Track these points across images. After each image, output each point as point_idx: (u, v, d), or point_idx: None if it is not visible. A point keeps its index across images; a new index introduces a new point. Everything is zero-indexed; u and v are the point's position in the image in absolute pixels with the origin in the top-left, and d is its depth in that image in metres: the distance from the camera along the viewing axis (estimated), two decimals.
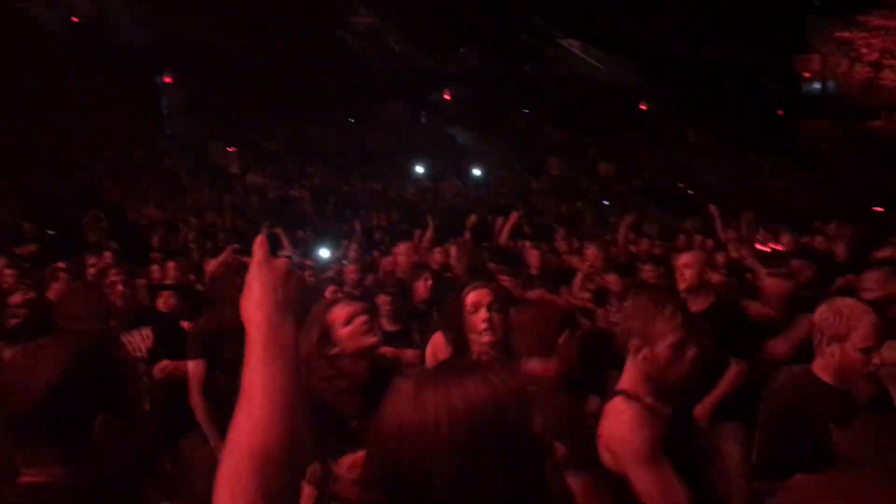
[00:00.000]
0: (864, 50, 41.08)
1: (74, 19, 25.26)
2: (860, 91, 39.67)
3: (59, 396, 1.57)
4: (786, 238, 9.60)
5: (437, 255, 9.01)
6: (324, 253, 11.03)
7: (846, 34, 42.31)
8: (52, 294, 7.06)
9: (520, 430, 1.28)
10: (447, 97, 29.99)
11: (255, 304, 1.48)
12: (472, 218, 10.35)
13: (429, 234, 10.04)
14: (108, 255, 11.25)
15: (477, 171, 26.04)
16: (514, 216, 9.50)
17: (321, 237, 16.75)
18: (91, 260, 10.26)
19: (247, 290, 1.53)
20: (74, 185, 18.86)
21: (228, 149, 24.11)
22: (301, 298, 1.59)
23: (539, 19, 37.48)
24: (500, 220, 10.13)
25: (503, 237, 9.22)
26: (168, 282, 8.05)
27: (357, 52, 30.73)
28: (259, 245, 1.62)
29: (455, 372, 1.30)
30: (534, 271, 8.28)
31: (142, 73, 24.83)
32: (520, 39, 36.10)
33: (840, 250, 8.65)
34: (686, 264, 5.68)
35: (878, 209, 25.02)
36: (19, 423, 1.54)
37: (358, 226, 17.96)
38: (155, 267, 8.80)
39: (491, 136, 29.36)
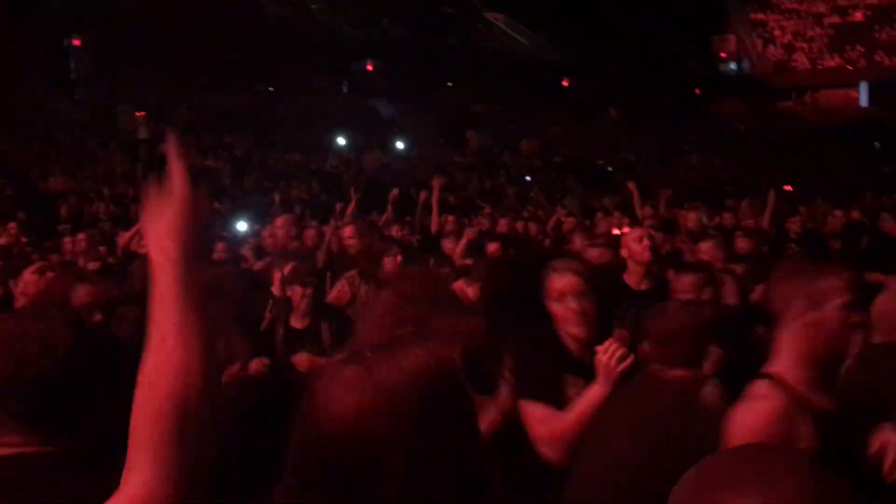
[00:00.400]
0: (777, 32, 42.35)
1: None
2: (773, 72, 40.93)
3: (75, 366, 1.52)
4: (692, 215, 9.77)
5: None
6: (241, 226, 10.76)
7: (760, 16, 43.53)
8: None
9: (458, 404, 1.26)
10: (370, 68, 29.66)
11: (169, 232, 1.38)
12: (394, 192, 10.21)
13: (351, 207, 9.86)
14: (12, 226, 10.78)
15: (399, 144, 25.86)
16: (436, 184, 9.40)
17: (239, 209, 16.39)
18: None
19: (158, 214, 1.41)
20: None
21: (136, 113, 23.30)
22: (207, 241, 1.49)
23: None
24: (423, 194, 10.01)
25: (434, 213, 9.10)
26: (80, 256, 7.71)
27: (278, 18, 30.08)
28: (176, 162, 1.49)
29: (382, 350, 1.26)
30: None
31: (49, 34, 23.75)
32: (445, 12, 35.93)
33: (764, 222, 8.91)
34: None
35: (788, 188, 25.86)
36: (32, 387, 1.46)
37: (278, 198, 17.64)
38: (67, 240, 8.41)
39: (414, 110, 29.19)
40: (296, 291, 4.79)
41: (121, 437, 1.46)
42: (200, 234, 1.42)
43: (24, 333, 1.49)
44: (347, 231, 6.26)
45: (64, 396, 1.50)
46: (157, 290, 1.34)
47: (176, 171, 1.49)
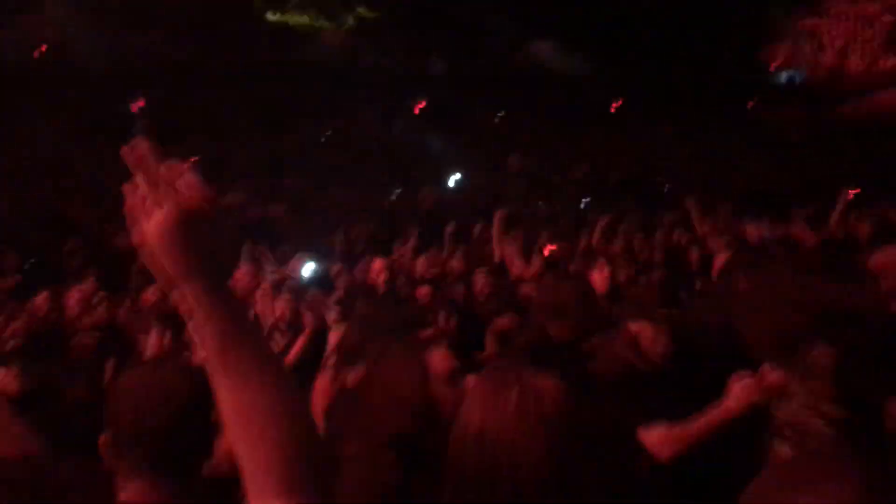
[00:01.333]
0: (828, 37, 41.59)
1: (42, 48, 25.09)
2: (827, 78, 40.17)
3: (192, 421, 1.59)
4: (751, 228, 9.70)
5: (419, 264, 9.04)
6: (307, 269, 11.00)
7: (810, 23, 42.82)
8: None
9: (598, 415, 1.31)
10: (422, 104, 30.02)
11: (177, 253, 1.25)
12: (450, 227, 10.37)
13: (411, 243, 10.04)
14: (91, 279, 11.20)
15: (454, 176, 26.07)
16: (498, 216, 9.54)
17: (303, 253, 16.70)
18: (74, 288, 10.22)
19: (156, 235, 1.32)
20: (52, 216, 18.72)
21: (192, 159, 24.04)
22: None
23: (506, 21, 37.63)
24: (478, 227, 10.17)
25: (497, 242, 9.25)
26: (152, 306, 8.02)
27: (326, 60, 30.71)
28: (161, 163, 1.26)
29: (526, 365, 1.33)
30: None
31: (110, 100, 24.69)
32: (491, 42, 36.22)
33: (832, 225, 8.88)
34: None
35: (856, 190, 25.26)
36: (153, 435, 1.52)
37: (341, 238, 17.95)
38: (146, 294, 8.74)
39: (466, 141, 29.40)
40: None
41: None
42: (225, 246, 1.29)
43: (146, 385, 1.56)
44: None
45: (181, 445, 1.56)
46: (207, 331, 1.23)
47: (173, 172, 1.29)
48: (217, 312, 1.23)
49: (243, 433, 1.20)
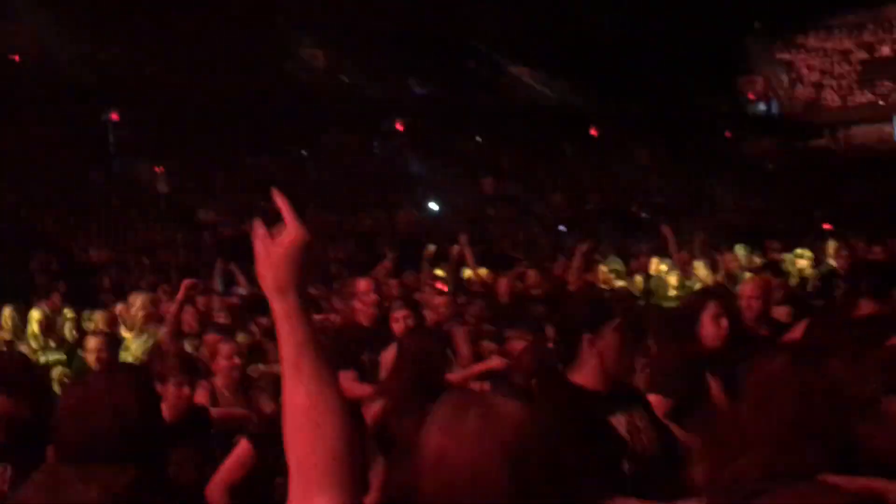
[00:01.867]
0: (804, 71, 42.30)
1: (15, 58, 24.82)
2: (803, 111, 40.81)
3: (147, 435, 1.59)
4: (730, 257, 9.68)
5: (393, 288, 8.91)
6: None
7: (787, 55, 43.55)
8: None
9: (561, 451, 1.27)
10: (399, 127, 30.03)
11: (282, 270, 1.56)
12: (430, 249, 10.26)
13: (387, 266, 9.94)
14: (55, 296, 10.98)
15: (431, 201, 26.06)
16: (462, 239, 9.55)
17: None
18: (40, 304, 9.98)
19: (270, 255, 1.63)
20: (20, 228, 18.43)
21: (156, 168, 23.97)
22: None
23: (487, 47, 37.89)
24: (455, 248, 10.08)
25: (470, 265, 9.20)
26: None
27: (306, 84, 30.69)
28: (286, 207, 1.72)
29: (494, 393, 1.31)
30: (504, 299, 8.32)
31: (86, 111, 24.45)
32: (468, 67, 36.42)
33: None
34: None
35: (827, 226, 25.54)
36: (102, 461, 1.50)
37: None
38: (120, 307, 8.50)
39: (443, 165, 29.45)
40: None
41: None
42: (310, 273, 1.57)
43: (95, 408, 1.55)
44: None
45: (134, 468, 1.54)
46: (290, 336, 1.45)
47: (287, 214, 1.71)
48: (300, 323, 1.47)
49: (305, 431, 1.36)
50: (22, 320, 9.18)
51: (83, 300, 11.65)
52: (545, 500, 1.15)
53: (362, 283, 6.36)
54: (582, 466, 1.27)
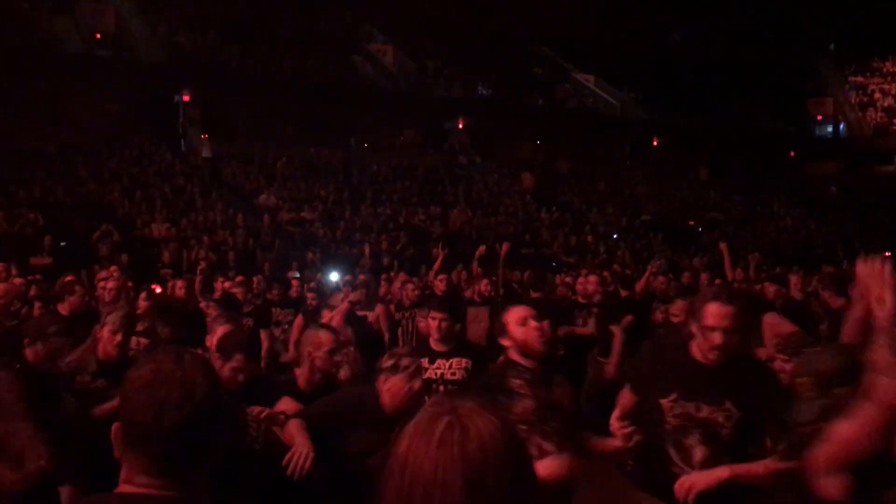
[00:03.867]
0: (877, 95, 41.24)
1: (97, 35, 25.61)
2: (872, 136, 39.80)
3: (210, 414, 1.56)
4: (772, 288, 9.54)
5: (438, 284, 9.08)
6: (333, 276, 11.11)
7: (860, 79, 42.54)
8: (64, 307, 7.03)
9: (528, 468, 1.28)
10: (461, 126, 30.20)
11: None
12: (481, 248, 10.42)
13: (438, 262, 10.10)
14: (114, 268, 11.33)
15: (486, 201, 26.15)
16: (505, 247, 9.71)
17: (330, 260, 16.88)
18: (101, 273, 10.34)
19: None
20: (88, 200, 19.05)
21: (202, 136, 24.56)
22: None
23: (554, 52, 37.83)
24: (504, 248, 10.29)
25: (500, 271, 9.37)
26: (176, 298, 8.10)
27: (372, 77, 31.06)
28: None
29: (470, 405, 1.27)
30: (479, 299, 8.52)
31: (159, 90, 25.14)
32: (535, 72, 36.42)
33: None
34: None
35: (888, 254, 24.96)
36: (168, 435, 1.50)
37: (367, 250, 18.07)
38: (169, 283, 8.82)
39: (502, 167, 29.53)
40: None
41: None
42: None
43: (166, 379, 1.54)
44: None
45: (199, 441, 1.55)
46: None
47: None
48: None
49: None
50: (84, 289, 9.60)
51: (142, 273, 12.07)
52: None
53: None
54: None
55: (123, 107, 25.27)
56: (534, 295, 8.16)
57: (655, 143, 34.77)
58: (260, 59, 27.88)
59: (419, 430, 1.24)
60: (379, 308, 8.31)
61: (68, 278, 9.53)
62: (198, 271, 9.70)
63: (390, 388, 3.58)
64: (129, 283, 10.01)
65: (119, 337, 4.42)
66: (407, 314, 8.26)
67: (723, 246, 10.64)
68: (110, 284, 7.76)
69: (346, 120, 29.14)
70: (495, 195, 26.55)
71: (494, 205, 25.39)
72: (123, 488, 1.52)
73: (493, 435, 1.22)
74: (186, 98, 24.85)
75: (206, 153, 24.11)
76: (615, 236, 24.71)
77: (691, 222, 28.38)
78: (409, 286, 8.59)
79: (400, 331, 8.21)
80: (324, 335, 4.14)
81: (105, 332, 4.44)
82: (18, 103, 21.59)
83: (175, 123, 25.23)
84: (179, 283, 8.36)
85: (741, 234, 26.83)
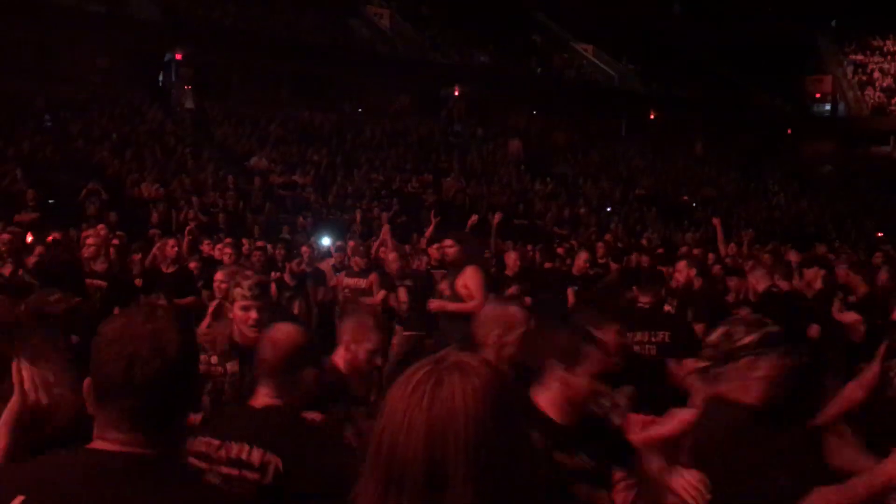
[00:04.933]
0: (877, 75, 41.06)
1: None
2: (870, 115, 39.67)
3: (184, 367, 1.56)
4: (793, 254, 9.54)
5: (433, 252, 9.06)
6: (325, 241, 11.01)
7: (860, 57, 42.32)
8: (30, 261, 7.00)
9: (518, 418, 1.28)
10: (456, 93, 29.93)
11: None
12: (474, 217, 10.33)
13: (430, 230, 10.04)
14: (101, 227, 11.21)
15: (480, 169, 26.01)
16: (497, 217, 9.71)
17: (322, 225, 16.76)
18: (87, 231, 10.22)
19: None
20: (76, 157, 18.83)
21: (185, 87, 24.35)
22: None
23: (553, 22, 37.48)
24: (497, 217, 10.26)
25: (493, 237, 9.35)
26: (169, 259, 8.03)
27: (368, 40, 30.70)
28: None
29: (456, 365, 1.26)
30: (509, 272, 8.48)
31: (151, 48, 24.77)
32: (533, 40, 36.09)
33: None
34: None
35: (879, 234, 25.02)
36: (138, 390, 1.49)
37: (359, 216, 17.96)
38: (158, 243, 8.75)
39: (496, 136, 29.33)
40: None
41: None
42: None
43: (136, 333, 1.52)
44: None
45: (171, 396, 1.53)
46: None
47: None
48: None
49: None
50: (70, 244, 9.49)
51: (131, 233, 11.93)
52: (455, 480, 1.16)
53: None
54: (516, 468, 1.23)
55: (115, 63, 24.90)
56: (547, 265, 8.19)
57: (652, 117, 34.60)
58: (255, 20, 27.48)
59: (405, 376, 1.26)
60: (373, 276, 8.29)
61: (54, 236, 9.44)
62: (185, 232, 9.60)
63: None
64: (116, 241, 9.93)
65: (255, 314, 3.64)
66: (406, 281, 8.24)
67: (716, 221, 10.68)
68: (90, 241, 7.68)
69: (341, 83, 28.84)
70: (489, 165, 26.39)
71: (488, 174, 25.24)
72: (96, 444, 1.51)
73: (466, 391, 1.22)
74: (179, 57, 24.47)
75: (188, 104, 23.88)
76: (608, 209, 24.65)
77: (685, 197, 28.33)
78: (424, 259, 8.63)
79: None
80: (516, 311, 3.24)
81: (237, 311, 3.73)
82: (7, 56, 21.23)
83: (167, 82, 24.91)
84: (171, 242, 8.30)
85: (735, 210, 26.79)
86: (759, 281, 6.60)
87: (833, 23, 42.65)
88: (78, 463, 1.49)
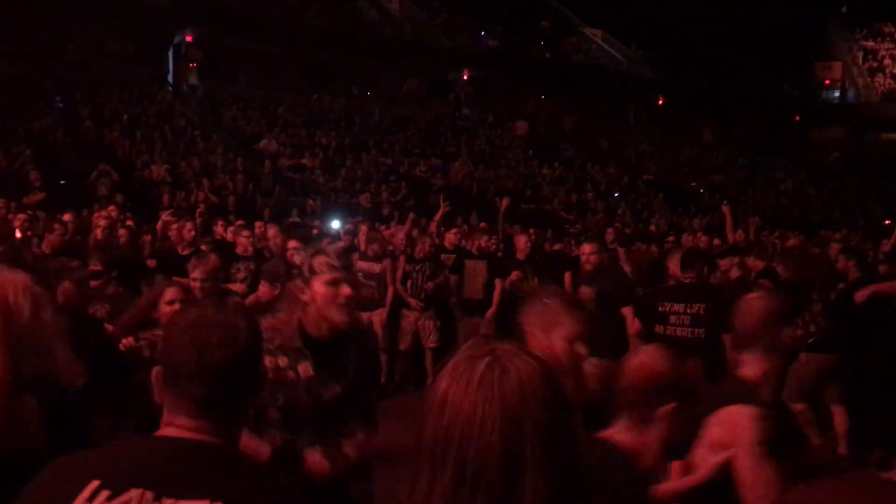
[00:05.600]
0: (887, 61, 40.84)
1: None
2: (879, 102, 39.48)
3: (253, 356, 1.61)
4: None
5: (449, 236, 9.14)
6: (334, 224, 11.07)
7: (870, 43, 42.07)
8: (45, 246, 6.95)
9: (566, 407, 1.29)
10: (465, 77, 29.89)
11: None
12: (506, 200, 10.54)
13: (439, 214, 10.08)
14: (112, 208, 11.28)
15: (487, 154, 26.01)
16: (504, 201, 9.75)
17: (330, 208, 16.82)
18: (99, 213, 10.31)
19: None
20: (86, 139, 18.88)
21: (191, 64, 24.42)
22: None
23: (563, 6, 37.34)
24: (504, 202, 10.38)
25: (499, 222, 9.44)
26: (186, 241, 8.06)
27: (377, 24, 30.63)
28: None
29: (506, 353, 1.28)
30: (520, 255, 8.52)
31: (161, 30, 24.78)
32: (543, 25, 35.96)
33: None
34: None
35: (887, 221, 24.96)
36: (209, 378, 1.53)
37: (365, 199, 18.01)
38: (174, 227, 8.75)
39: (505, 120, 29.30)
40: None
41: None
42: None
43: (208, 322, 1.56)
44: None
45: (239, 385, 1.58)
46: None
47: None
48: None
49: None
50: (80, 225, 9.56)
51: (141, 214, 12.02)
52: (532, 463, 1.18)
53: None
54: (575, 445, 1.26)
55: (125, 46, 24.91)
56: (557, 247, 8.29)
57: (661, 103, 34.51)
58: (264, 3, 27.44)
59: (458, 372, 1.26)
60: (386, 262, 8.37)
61: (65, 217, 9.51)
62: (196, 214, 9.67)
63: None
64: (129, 223, 10.02)
65: (346, 289, 2.90)
66: (418, 266, 8.30)
67: (725, 209, 10.68)
68: (101, 223, 7.73)
69: (349, 67, 28.81)
70: (497, 149, 26.38)
71: (496, 158, 25.24)
72: (166, 431, 1.54)
73: (531, 375, 1.24)
74: (189, 39, 24.50)
75: (192, 80, 23.94)
76: (616, 195, 24.64)
77: (693, 184, 28.30)
78: (427, 240, 8.65)
79: (409, 283, 8.28)
80: None
81: (321, 287, 2.89)
82: (18, 39, 21.28)
83: (177, 65, 24.93)
84: (188, 225, 8.31)
85: (742, 197, 26.76)
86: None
87: (843, 9, 42.39)
88: (150, 449, 1.53)
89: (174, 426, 1.53)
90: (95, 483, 1.42)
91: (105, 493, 1.41)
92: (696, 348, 5.10)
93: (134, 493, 1.42)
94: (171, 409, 1.54)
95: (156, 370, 1.59)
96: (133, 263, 7.70)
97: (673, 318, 5.42)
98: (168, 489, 1.43)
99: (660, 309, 5.58)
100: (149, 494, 1.42)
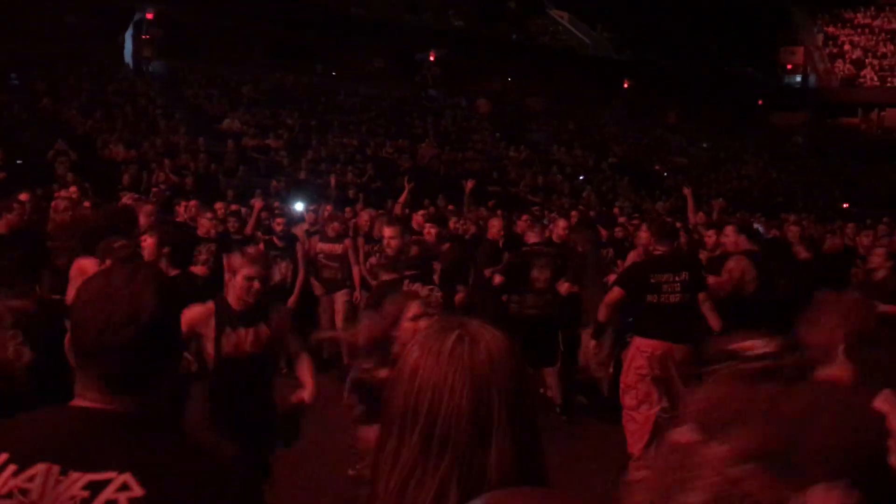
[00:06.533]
0: (847, 47, 41.38)
1: None
2: (839, 87, 40.03)
3: (160, 333, 1.53)
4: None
5: (417, 217, 9.08)
6: (298, 206, 10.96)
7: (831, 29, 42.57)
8: (2, 225, 6.72)
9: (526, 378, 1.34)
10: (432, 58, 29.72)
11: None
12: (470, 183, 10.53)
13: (404, 196, 10.02)
14: (73, 189, 11.05)
15: (454, 136, 25.94)
16: (469, 184, 9.74)
17: (295, 189, 16.66)
18: (60, 193, 10.10)
19: None
20: (43, 116, 18.48)
21: (143, 36, 24.08)
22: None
23: None
24: (469, 185, 10.36)
25: (465, 205, 9.42)
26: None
27: (343, 4, 30.30)
28: None
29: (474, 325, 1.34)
30: (492, 236, 8.50)
31: (121, 5, 24.27)
32: (509, 6, 35.86)
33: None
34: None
35: (845, 206, 25.39)
36: (111, 355, 1.47)
37: (333, 181, 17.86)
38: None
39: (471, 102, 29.22)
40: None
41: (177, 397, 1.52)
42: None
43: (112, 297, 1.49)
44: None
45: (144, 362, 1.51)
46: None
47: None
48: None
49: None
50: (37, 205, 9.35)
51: (102, 194, 11.79)
52: (498, 425, 1.23)
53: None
54: (533, 410, 1.32)
55: (84, 20, 24.37)
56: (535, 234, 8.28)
57: (626, 85, 34.62)
58: None
59: (429, 343, 1.31)
60: (347, 242, 8.32)
61: (21, 196, 9.29)
62: (152, 194, 9.52)
63: None
64: (87, 204, 9.81)
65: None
66: (377, 247, 8.25)
67: (687, 191, 10.70)
68: (62, 205, 7.56)
69: (314, 46, 28.50)
70: (464, 130, 26.30)
71: (463, 140, 25.16)
72: (76, 402, 1.50)
73: (499, 347, 1.30)
74: (150, 16, 24.01)
75: (147, 53, 23.56)
76: (581, 177, 24.72)
77: (657, 166, 28.49)
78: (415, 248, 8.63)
79: (369, 264, 8.22)
80: None
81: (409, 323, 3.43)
82: None
83: (137, 42, 24.44)
84: (148, 208, 8.15)
85: (706, 179, 27.01)
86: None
87: None
88: (60, 421, 1.49)
89: (84, 398, 1.49)
90: (4, 456, 1.40)
91: (12, 468, 1.39)
92: (686, 311, 5.84)
93: (40, 467, 1.39)
94: (81, 380, 1.49)
95: (67, 339, 1.54)
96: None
97: (665, 287, 5.89)
98: (75, 462, 1.40)
99: (651, 280, 5.92)
100: (55, 468, 1.39)
